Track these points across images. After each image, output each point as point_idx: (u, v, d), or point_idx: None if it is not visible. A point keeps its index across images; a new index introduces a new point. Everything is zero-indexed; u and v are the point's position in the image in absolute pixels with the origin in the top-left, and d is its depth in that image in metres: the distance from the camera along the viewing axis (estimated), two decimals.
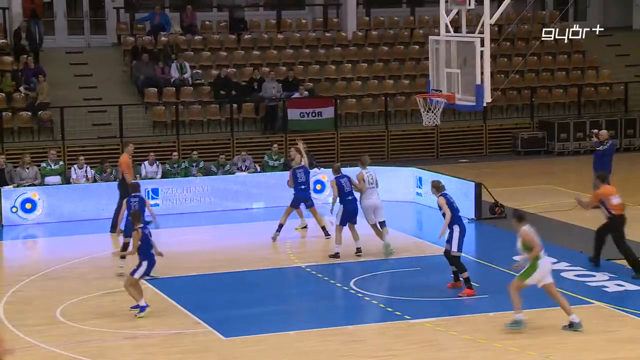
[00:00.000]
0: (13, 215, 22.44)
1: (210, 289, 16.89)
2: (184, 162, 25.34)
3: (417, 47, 32.54)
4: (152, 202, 22.14)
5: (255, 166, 25.64)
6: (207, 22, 32.92)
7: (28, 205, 22.68)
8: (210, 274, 17.92)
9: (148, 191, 22.82)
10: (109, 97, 29.43)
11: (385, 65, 32.09)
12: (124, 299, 15.76)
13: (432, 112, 18.46)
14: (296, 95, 29.67)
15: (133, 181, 19.78)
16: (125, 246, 17.77)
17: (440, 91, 18.23)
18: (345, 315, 15.54)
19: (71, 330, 14.49)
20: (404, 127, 30.26)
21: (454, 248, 15.99)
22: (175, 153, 25.96)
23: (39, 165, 24.50)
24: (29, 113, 28.44)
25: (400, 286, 16.63)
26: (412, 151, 29.91)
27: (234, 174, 24.81)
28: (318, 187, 23.78)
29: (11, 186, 23.20)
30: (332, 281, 17.13)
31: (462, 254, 16.22)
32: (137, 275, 15.18)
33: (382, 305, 15.64)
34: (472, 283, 15.89)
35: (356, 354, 13.46)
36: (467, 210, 21.39)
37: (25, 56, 29.63)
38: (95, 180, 24.09)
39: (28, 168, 24.16)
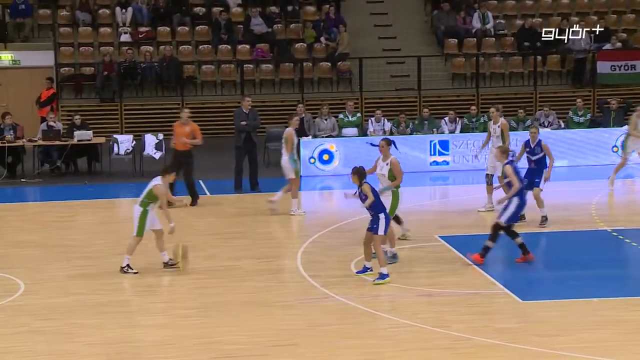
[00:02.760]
0: (311, 166, 22.70)
1: (507, 249, 16.16)
2: (483, 116, 24.58)
3: None
4: (441, 158, 21.99)
5: (559, 122, 24.48)
6: None
7: (325, 157, 22.87)
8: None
9: (435, 144, 22.62)
10: (408, 47, 29.18)
11: None
12: (420, 255, 15.60)
13: None
14: (607, 46, 28.23)
15: None
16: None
17: None
18: None
19: (365, 283, 14.30)
20: None
21: (503, 219, 14.90)
22: (473, 107, 25.39)
23: (336, 117, 24.65)
24: (329, 63, 28.74)
25: None
26: None
27: None
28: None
29: (309, 137, 23.47)
30: None
31: None
32: (381, 232, 14.26)
33: None
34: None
35: None
36: None
37: (327, 6, 29.94)
38: (392, 133, 23.89)
39: (326, 119, 24.35)
